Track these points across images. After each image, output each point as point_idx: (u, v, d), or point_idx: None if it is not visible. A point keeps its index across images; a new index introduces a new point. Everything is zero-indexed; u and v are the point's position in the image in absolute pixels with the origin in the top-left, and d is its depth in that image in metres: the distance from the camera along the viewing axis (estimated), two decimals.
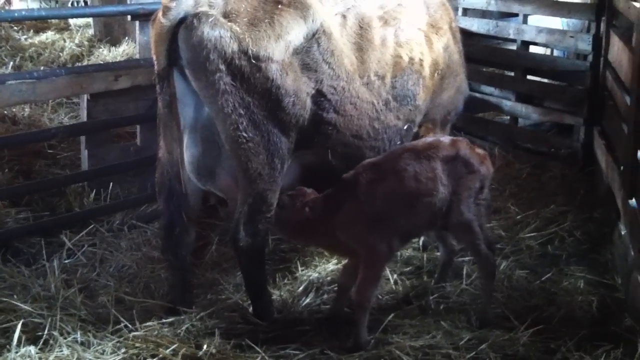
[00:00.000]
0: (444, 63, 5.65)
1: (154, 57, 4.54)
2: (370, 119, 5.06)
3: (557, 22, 8.69)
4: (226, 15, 4.39)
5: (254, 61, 4.39)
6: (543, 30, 7.89)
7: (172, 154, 4.66)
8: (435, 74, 5.54)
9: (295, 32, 4.56)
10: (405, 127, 5.38)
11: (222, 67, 4.34)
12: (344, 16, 4.96)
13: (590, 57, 7.39)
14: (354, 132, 4.98)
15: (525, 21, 8.11)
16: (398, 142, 5.32)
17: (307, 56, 4.66)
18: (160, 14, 4.40)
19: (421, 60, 5.38)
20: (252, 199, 4.63)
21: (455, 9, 8.75)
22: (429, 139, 4.93)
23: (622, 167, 5.61)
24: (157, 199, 4.95)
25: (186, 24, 4.32)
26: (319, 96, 4.75)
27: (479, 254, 4.84)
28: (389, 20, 5.23)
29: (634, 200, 5.20)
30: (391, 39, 5.20)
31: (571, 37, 7.59)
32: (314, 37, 4.67)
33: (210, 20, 4.29)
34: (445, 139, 4.89)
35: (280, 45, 4.49)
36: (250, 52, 4.38)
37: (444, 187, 4.68)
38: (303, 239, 5.10)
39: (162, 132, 4.72)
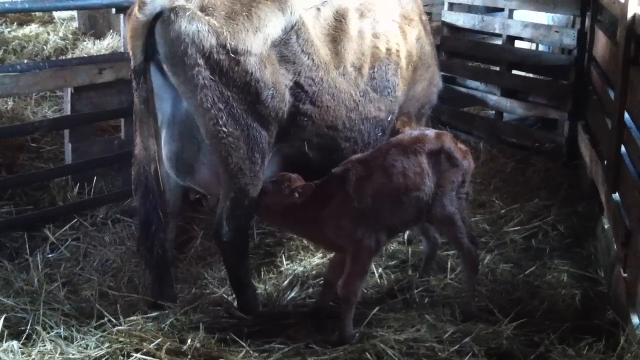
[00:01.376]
0: (417, 54, 5.67)
1: (130, 53, 4.50)
2: (347, 109, 5.06)
3: (543, 17, 8.72)
4: (203, 9, 4.37)
5: (232, 55, 4.37)
6: (528, 25, 7.92)
7: (148, 151, 4.62)
8: (410, 66, 5.57)
9: (273, 25, 4.55)
10: (388, 119, 5.39)
11: (201, 61, 4.32)
12: (318, 9, 4.96)
13: (575, 52, 7.43)
14: (329, 123, 4.98)
15: (510, 16, 8.14)
16: (379, 134, 5.33)
17: (285, 48, 4.65)
18: (136, 8, 4.36)
19: (398, 51, 5.41)
20: (234, 194, 4.61)
21: (442, 4, 8.78)
22: (414, 132, 4.93)
23: (605, 162, 5.65)
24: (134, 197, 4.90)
25: (163, 18, 4.29)
26: (296, 88, 4.74)
27: (462, 247, 4.86)
28: (365, 12, 5.25)
29: (617, 194, 5.23)
30: (368, 30, 5.22)
31: (556, 31, 7.63)
32: (293, 29, 4.66)
33: (187, 14, 4.26)
34: (430, 132, 4.90)
35: (258, 38, 4.48)
36: (228, 45, 4.36)
37: (430, 181, 4.69)
38: (288, 227, 5.07)
39: (139, 128, 4.66)
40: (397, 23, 5.49)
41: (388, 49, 5.32)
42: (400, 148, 4.73)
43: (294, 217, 4.63)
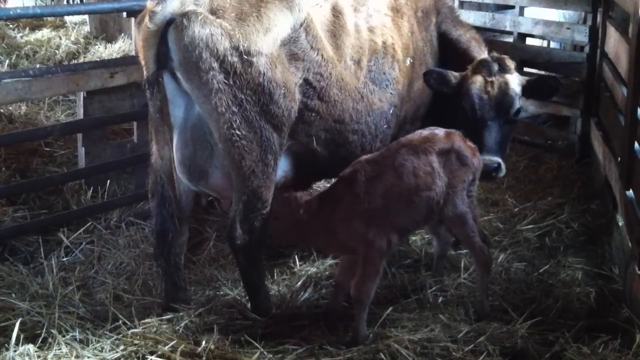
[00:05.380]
0: (413, 49, 5.62)
1: (143, 63, 4.49)
2: (353, 101, 5.07)
3: (554, 14, 8.68)
4: (213, 11, 4.36)
5: (245, 57, 4.37)
6: (539, 22, 7.88)
7: (164, 159, 4.64)
8: (407, 59, 5.54)
9: (282, 24, 4.56)
10: (390, 111, 5.38)
11: (215, 65, 4.31)
12: (320, 5, 4.97)
13: (586, 49, 7.39)
14: (336, 117, 4.99)
15: (521, 13, 8.10)
16: (384, 126, 5.32)
17: (294, 46, 4.65)
18: (146, 18, 4.35)
19: (393, 44, 5.38)
20: (247, 197, 4.61)
21: (452, 2, 8.74)
22: (424, 132, 4.91)
23: (619, 159, 5.61)
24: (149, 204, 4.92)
25: (176, 24, 4.28)
26: (305, 85, 4.75)
27: (474, 246, 4.85)
28: (358, 7, 5.25)
29: (631, 191, 5.20)
30: (363, 24, 5.21)
31: (568, 28, 7.59)
32: (302, 27, 4.67)
33: (199, 18, 4.26)
34: (440, 131, 4.88)
35: (268, 38, 4.49)
36: (241, 47, 4.36)
37: (440, 181, 4.68)
38: (302, 239, 5.07)
39: (154, 137, 4.68)
40: (389, 16, 5.46)
41: (384, 42, 5.32)
42: (410, 147, 4.72)
43: (305, 228, 4.63)
